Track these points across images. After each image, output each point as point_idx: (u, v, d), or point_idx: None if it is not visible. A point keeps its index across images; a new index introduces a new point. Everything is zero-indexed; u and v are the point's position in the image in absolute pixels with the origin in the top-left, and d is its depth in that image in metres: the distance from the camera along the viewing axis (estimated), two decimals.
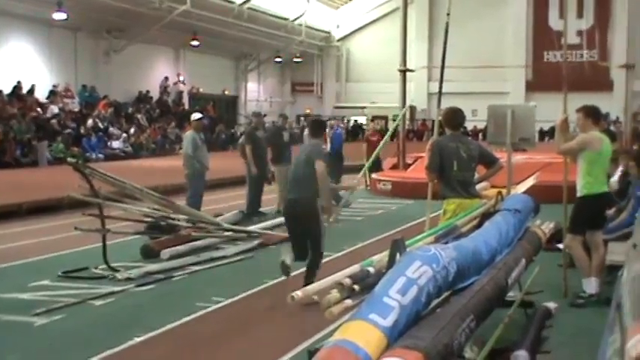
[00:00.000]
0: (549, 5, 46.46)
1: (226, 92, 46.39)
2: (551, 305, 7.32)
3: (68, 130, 29.20)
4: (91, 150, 29.02)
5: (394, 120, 40.37)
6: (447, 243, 5.24)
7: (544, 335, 6.62)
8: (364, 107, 48.03)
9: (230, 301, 8.49)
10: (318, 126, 9.51)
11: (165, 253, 10.56)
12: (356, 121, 48.17)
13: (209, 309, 8.12)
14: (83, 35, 33.65)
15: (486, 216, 6.85)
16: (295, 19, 45.52)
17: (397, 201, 17.99)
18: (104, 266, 9.79)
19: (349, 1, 51.30)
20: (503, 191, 8.03)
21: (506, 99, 43.06)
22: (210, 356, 6.76)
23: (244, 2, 39.30)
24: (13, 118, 27.07)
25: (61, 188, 13.66)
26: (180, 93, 41.05)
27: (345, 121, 47.30)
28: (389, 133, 14.47)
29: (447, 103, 9.35)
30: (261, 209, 14.98)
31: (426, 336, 3.73)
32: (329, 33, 51.87)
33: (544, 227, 7.48)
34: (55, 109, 30.12)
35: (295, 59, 50.21)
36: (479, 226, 6.56)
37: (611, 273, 8.12)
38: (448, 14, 10.96)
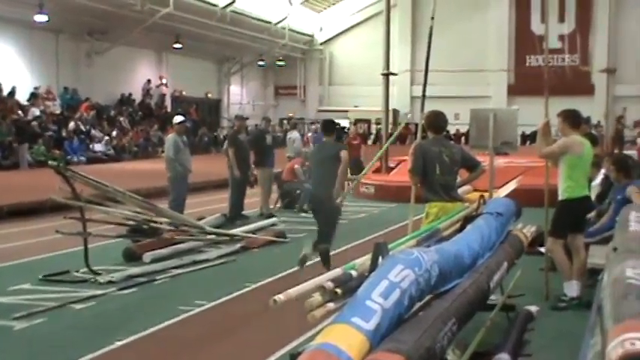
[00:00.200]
0: (531, 10, 46.75)
1: (209, 95, 46.34)
2: (533, 308, 7.34)
3: (49, 133, 29.06)
4: (72, 153, 28.90)
5: (377, 124, 40.58)
6: (429, 246, 5.25)
7: (526, 338, 6.64)
8: (347, 111, 48.07)
9: (212, 304, 8.46)
10: (329, 125, 10.64)
11: (148, 256, 10.52)
12: (339, 124, 48.16)
13: (191, 312, 8.09)
14: (65, 37, 33.51)
15: (468, 219, 6.87)
16: (278, 23, 45.53)
17: (380, 204, 18.02)
18: (86, 269, 9.72)
19: (332, 4, 51.37)
20: (486, 195, 8.07)
21: (489, 103, 43.31)
22: None
23: (227, 5, 39.28)
24: None
25: (42, 191, 13.58)
26: (163, 96, 40.95)
27: None
28: (393, 136, 14.52)
29: (429, 106, 9.37)
30: (243, 212, 14.96)
31: (408, 339, 3.74)
32: (312, 36, 51.94)
33: (526, 231, 7.51)
34: (36, 111, 29.94)
35: (278, 62, 50.22)
36: (461, 229, 6.58)
37: (592, 276, 8.16)
38: (432, 18, 10.99)
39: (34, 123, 28.89)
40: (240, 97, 49.18)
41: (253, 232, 12.85)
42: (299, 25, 48.79)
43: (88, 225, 10.00)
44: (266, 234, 12.87)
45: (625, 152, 16.58)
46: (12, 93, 29.95)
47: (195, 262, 10.65)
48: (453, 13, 42.73)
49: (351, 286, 4.08)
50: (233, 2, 39.54)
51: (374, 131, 45.32)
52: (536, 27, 46.05)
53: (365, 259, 4.49)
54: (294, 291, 3.92)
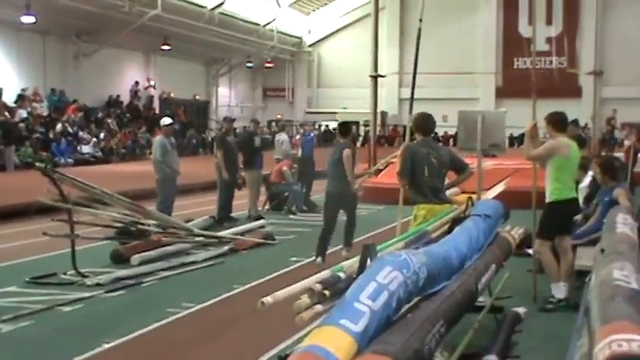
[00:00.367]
0: (519, 12, 46.90)
1: (197, 97, 46.29)
2: (521, 310, 7.36)
3: (37, 135, 28.95)
4: (60, 155, 28.78)
5: (366, 126, 40.60)
6: (417, 248, 5.25)
7: (514, 340, 6.65)
8: (335, 113, 48.08)
9: (201, 306, 8.45)
10: (345, 127, 11.56)
11: (135, 258, 10.49)
12: (327, 126, 48.21)
13: (179, 315, 8.07)
14: (52, 39, 33.40)
15: (457, 221, 6.88)
16: (267, 25, 45.51)
17: (368, 206, 18.00)
18: (73, 272, 9.68)
19: (321, 6, 51.40)
20: (474, 197, 8.07)
21: (477, 105, 43.39)
22: None
23: (215, 7, 39.26)
24: None
25: (29, 193, 13.50)
26: (151, 98, 40.86)
27: (317, 126, 47.36)
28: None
29: (417, 108, 9.39)
30: (232, 214, 14.95)
31: (396, 341, 3.73)
32: (300, 38, 51.95)
33: (514, 232, 7.52)
34: (23, 113, 29.80)
35: (267, 64, 50.18)
36: (449, 231, 6.59)
37: (579, 278, 8.19)
38: (421, 20, 11.00)
39: (22, 125, 28.75)
40: (228, 98, 49.12)
41: (241, 234, 12.83)
42: (287, 27, 48.80)
43: (76, 227, 9.96)
44: (254, 236, 12.85)
45: (613, 154, 16.65)
46: None
47: (183, 265, 10.63)
48: (441, 15, 42.82)
49: (339, 288, 4.07)
50: (221, 4, 39.53)
51: (362, 133, 45.34)
52: (524, 29, 46.20)
53: (353, 261, 4.49)
54: (282, 293, 3.91)
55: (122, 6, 32.07)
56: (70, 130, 31.16)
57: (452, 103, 36.06)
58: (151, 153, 16.23)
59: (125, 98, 38.60)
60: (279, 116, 47.59)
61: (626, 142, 19.39)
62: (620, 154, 18.16)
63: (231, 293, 9.10)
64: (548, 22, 45.97)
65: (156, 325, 7.64)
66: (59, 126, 30.57)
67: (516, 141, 38.42)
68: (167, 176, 13.37)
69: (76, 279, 9.52)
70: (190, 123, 42.80)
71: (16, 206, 15.62)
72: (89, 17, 31.94)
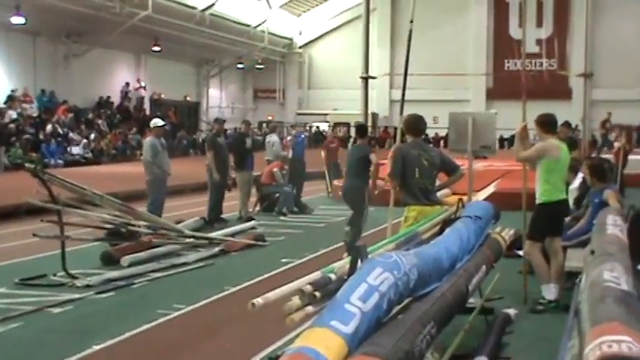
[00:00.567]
0: (510, 14, 46.99)
1: (188, 98, 46.22)
2: (511, 312, 7.37)
3: (26, 136, 28.84)
4: (50, 156, 28.69)
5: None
6: (408, 250, 5.25)
7: (504, 341, 6.66)
8: (326, 114, 48.10)
9: (191, 308, 8.43)
10: (362, 130, 12.21)
11: (126, 259, 10.46)
12: (318, 127, 48.22)
13: (170, 316, 8.05)
14: (42, 40, 33.28)
15: (447, 223, 6.88)
16: (257, 26, 45.47)
17: None
18: (63, 273, 9.66)
19: (311, 8, 51.39)
20: (464, 198, 8.09)
21: (467, 107, 43.42)
22: None
23: (206, 8, 39.22)
24: None
25: (19, 194, 13.45)
26: (142, 99, 40.77)
27: (308, 127, 47.36)
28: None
29: (408, 110, 9.39)
30: (222, 216, 14.93)
31: (386, 342, 3.73)
32: (291, 40, 51.92)
33: (504, 234, 7.54)
34: (13, 114, 29.67)
35: (257, 66, 50.16)
36: (440, 232, 6.60)
37: (569, 279, 8.21)
38: (412, 22, 11.00)
39: (11, 126, 28.65)
40: (219, 100, 49.07)
41: (232, 235, 12.82)
42: (278, 28, 48.78)
43: (66, 228, 9.94)
44: (245, 237, 12.84)
45: (602, 156, 16.71)
46: None
47: (173, 266, 10.62)
48: (432, 17, 42.86)
49: (330, 289, 4.07)
50: (212, 5, 39.48)
51: (353, 134, 45.38)
52: (515, 31, 46.27)
53: (344, 263, 4.49)
54: (272, 294, 3.90)
55: (113, 7, 32.00)
56: (60, 131, 31.06)
57: (442, 105, 36.09)
58: (141, 154, 16.19)
59: (115, 99, 38.51)
60: (269, 117, 47.57)
61: (616, 144, 19.44)
62: (609, 156, 18.22)
63: (222, 294, 9.08)
64: (539, 24, 46.11)
65: (146, 326, 7.62)
66: (49, 127, 30.46)
67: (507, 142, 38.52)
68: (157, 177, 13.34)
69: (66, 280, 9.49)
70: (181, 124, 42.74)
71: (6, 207, 15.57)
72: (79, 18, 31.88)
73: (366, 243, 4.69)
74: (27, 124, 29.89)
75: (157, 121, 14.03)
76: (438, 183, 8.11)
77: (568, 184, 9.82)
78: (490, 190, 15.88)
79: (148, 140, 13.72)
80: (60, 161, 28.77)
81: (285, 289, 4.01)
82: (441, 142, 37.34)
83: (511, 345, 6.67)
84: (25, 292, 9.04)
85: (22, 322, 7.74)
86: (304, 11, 51.47)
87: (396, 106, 41.04)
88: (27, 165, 10.28)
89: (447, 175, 8.15)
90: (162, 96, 42.53)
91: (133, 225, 10.84)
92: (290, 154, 18.47)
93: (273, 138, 18.95)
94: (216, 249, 11.74)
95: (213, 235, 12.45)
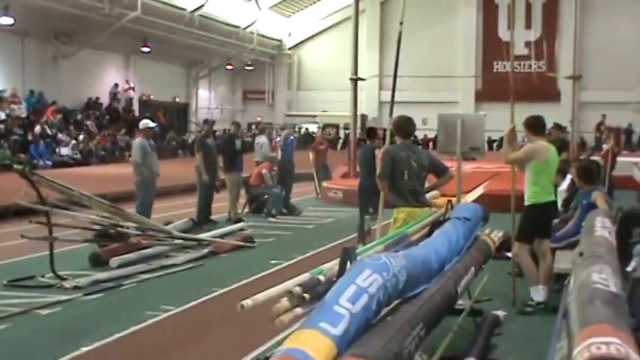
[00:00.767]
0: (499, 16, 47.06)
1: (177, 99, 46.14)
2: (500, 313, 7.37)
3: (15, 137, 28.74)
4: (38, 157, 28.59)
5: (346, 129, 40.63)
6: (397, 251, 5.26)
7: (493, 343, 6.67)
8: (315, 115, 48.10)
9: (180, 309, 8.41)
10: (371, 132, 14.03)
11: (114, 261, 10.43)
12: (307, 129, 48.21)
13: (159, 317, 8.04)
14: (31, 40, 33.14)
15: (436, 224, 6.89)
16: (247, 27, 45.42)
17: (348, 209, 18.00)
18: (51, 275, 9.62)
19: (301, 9, 51.38)
20: (453, 200, 8.10)
21: (456, 108, 43.48)
22: None
23: (196, 9, 39.15)
24: None
25: (7, 195, 13.40)
26: (131, 100, 40.68)
27: (297, 129, 47.34)
28: None
29: (397, 111, 9.39)
30: (211, 217, 14.92)
31: (375, 344, 3.73)
32: (280, 41, 51.88)
33: (493, 236, 7.55)
34: (1, 115, 29.59)
35: (247, 67, 50.11)
36: (429, 234, 6.60)
37: (558, 281, 8.23)
38: (401, 23, 10.99)
39: (0, 126, 28.55)
40: (208, 101, 49.02)
41: (221, 236, 12.81)
42: (268, 29, 48.73)
43: (54, 229, 9.91)
44: (234, 239, 12.82)
45: (589, 158, 16.75)
46: None
47: (162, 267, 10.59)
48: (421, 19, 42.89)
49: (319, 291, 4.07)
50: (202, 6, 39.42)
51: (342, 136, 45.41)
52: (504, 33, 46.38)
53: (333, 264, 4.49)
54: (261, 296, 3.90)
55: (102, 7, 31.90)
56: (49, 131, 30.97)
57: (432, 107, 36.10)
58: (130, 155, 16.16)
59: (104, 100, 38.42)
60: (258, 119, 47.51)
61: (605, 146, 19.50)
62: (598, 158, 18.29)
63: (211, 296, 9.07)
64: (528, 26, 46.19)
65: (135, 328, 7.60)
66: (38, 128, 30.37)
67: (495, 145, 38.54)
68: (146, 178, 13.31)
69: (55, 282, 9.46)
70: (170, 125, 42.66)
71: None
72: (68, 19, 31.76)
73: (354, 244, 4.68)
74: (15, 125, 29.81)
75: (147, 122, 13.99)
76: (427, 185, 8.11)
77: (557, 186, 9.85)
78: (479, 191, 15.94)
79: (138, 141, 13.68)
80: (48, 162, 28.68)
81: (274, 291, 4.00)
82: (430, 144, 37.35)
83: (500, 346, 6.68)
84: (14, 293, 9.00)
85: (11, 324, 7.71)
86: (294, 13, 51.43)
87: (385, 107, 41.10)
88: (15, 166, 10.24)
89: (436, 176, 8.16)
90: (152, 97, 42.45)
91: (122, 226, 10.81)
92: (279, 155, 18.46)
93: (262, 139, 18.93)
94: (205, 250, 11.72)
95: (202, 236, 12.43)
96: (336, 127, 47.13)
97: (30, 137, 29.65)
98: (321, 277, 4.27)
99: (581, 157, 17.80)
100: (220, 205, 15.66)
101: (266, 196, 17.05)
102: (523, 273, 8.51)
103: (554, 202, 8.75)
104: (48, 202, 9.81)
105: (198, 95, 48.00)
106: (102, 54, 37.62)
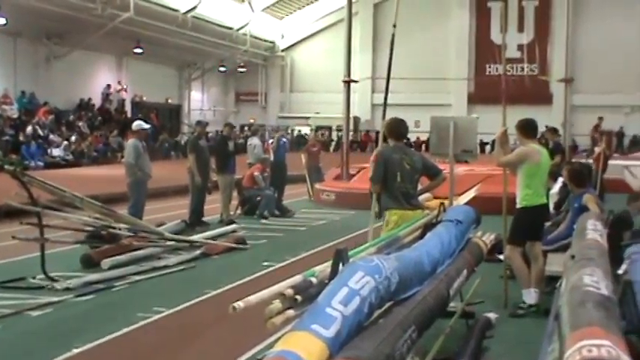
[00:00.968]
0: (491, 19, 47.17)
1: (170, 101, 46.11)
2: (492, 316, 7.38)
3: (6, 137, 28.67)
4: (30, 157, 28.53)
5: (338, 130, 40.65)
6: (389, 254, 5.26)
7: (485, 346, 6.67)
8: (308, 117, 48.11)
9: (172, 311, 8.39)
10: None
11: (106, 262, 10.40)
12: (299, 131, 48.23)
13: (150, 319, 8.01)
14: (23, 41, 33.09)
15: (429, 227, 6.90)
16: (240, 29, 45.43)
17: (340, 211, 18.05)
18: (42, 276, 9.59)
19: (294, 11, 51.39)
20: (446, 202, 8.10)
21: (449, 111, 43.61)
22: None
23: (189, 11, 39.14)
24: None
25: None
26: (123, 101, 40.62)
27: (289, 131, 47.34)
28: None
29: (390, 114, 9.39)
30: (203, 219, 14.90)
31: (367, 346, 3.73)
32: (273, 43, 51.91)
33: (485, 238, 7.56)
34: None
35: (239, 69, 50.12)
36: (421, 236, 6.61)
37: (550, 284, 8.24)
38: (394, 26, 11.00)
39: None
40: (201, 102, 49.01)
41: (213, 238, 12.78)
42: (260, 31, 48.74)
43: (46, 231, 9.87)
44: (226, 240, 12.81)
45: (580, 161, 16.80)
46: None
47: (154, 269, 10.56)
48: (414, 21, 42.96)
49: (311, 293, 4.07)
50: (194, 8, 39.40)
51: (335, 138, 45.45)
52: (496, 36, 46.50)
53: (325, 266, 4.49)
54: (254, 298, 3.90)
55: (94, 8, 31.87)
56: (41, 132, 30.92)
57: (424, 109, 36.21)
58: (122, 156, 16.13)
59: (97, 101, 38.37)
60: (251, 120, 47.52)
61: (596, 149, 19.57)
62: (590, 161, 18.34)
63: (203, 298, 9.05)
64: (520, 29, 46.32)
65: (126, 329, 7.58)
66: (29, 128, 30.31)
67: (489, 147, 38.59)
68: (139, 180, 13.27)
69: (46, 283, 9.43)
70: (162, 127, 42.60)
71: None
72: (61, 19, 31.71)
73: (347, 246, 4.68)
74: (7, 126, 29.76)
75: (140, 124, 13.94)
76: (420, 187, 8.11)
77: (548, 189, 9.87)
78: (471, 194, 15.96)
79: (131, 142, 13.63)
80: (40, 163, 28.63)
81: (266, 293, 4.00)
82: (423, 146, 37.38)
83: (492, 349, 6.69)
84: (4, 294, 8.96)
85: (1, 326, 7.67)
86: (287, 14, 51.46)
87: (377, 109, 41.15)
88: (6, 167, 10.19)
89: (429, 179, 8.15)
90: (144, 98, 42.41)
91: (114, 227, 10.79)
92: (272, 157, 18.44)
93: (254, 141, 18.92)
94: (197, 252, 11.70)
95: (194, 237, 12.41)
96: (329, 129, 47.18)
97: (21, 138, 29.59)
98: (314, 279, 4.27)
99: (573, 160, 17.84)
100: (213, 206, 15.64)
101: (258, 198, 17.04)
102: (515, 275, 8.53)
103: (546, 205, 8.77)
104: (39, 203, 9.79)
105: (190, 97, 47.98)
106: (94, 55, 37.56)
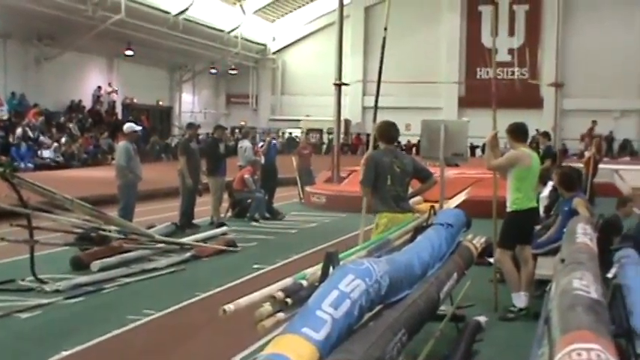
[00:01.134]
0: (482, 23, 47.25)
1: (160, 103, 46.01)
2: (482, 319, 7.39)
3: None
4: (20, 159, 28.43)
5: (329, 133, 40.65)
6: (380, 257, 5.26)
7: (475, 349, 6.69)
8: (299, 120, 48.11)
9: (161, 313, 8.38)
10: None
11: (96, 264, 10.38)
12: (290, 133, 48.22)
13: (140, 322, 8.00)
14: (13, 42, 32.95)
15: (419, 230, 6.90)
16: (231, 31, 45.39)
17: (331, 214, 18.05)
18: (32, 278, 9.56)
19: (285, 14, 51.39)
20: (436, 205, 8.11)
21: (440, 114, 43.63)
22: None
23: (180, 13, 39.09)
24: None
25: None
26: (113, 103, 40.52)
27: (280, 133, 47.31)
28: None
29: (381, 117, 9.39)
30: (194, 221, 14.88)
31: (358, 350, 3.73)
32: (265, 45, 51.87)
33: (476, 241, 7.57)
34: None
35: (230, 71, 50.05)
36: (412, 240, 6.61)
37: (540, 287, 8.26)
38: (385, 29, 11.01)
39: None
40: (191, 105, 48.91)
41: (203, 240, 12.77)
42: (252, 34, 48.71)
43: (35, 233, 9.84)
44: (216, 243, 12.79)
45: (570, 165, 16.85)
46: None
47: (144, 271, 10.54)
48: (405, 25, 43.00)
49: (301, 295, 4.07)
50: (186, 10, 39.36)
51: (326, 141, 45.46)
52: (487, 40, 46.55)
53: (316, 269, 4.48)
54: (244, 300, 3.89)
55: (85, 10, 31.78)
56: (31, 134, 30.80)
57: (415, 112, 36.26)
58: (113, 158, 16.09)
59: (87, 103, 38.25)
60: (242, 123, 47.47)
61: (586, 154, 19.64)
62: (580, 165, 18.39)
63: (193, 300, 9.04)
64: (511, 33, 46.43)
65: (116, 332, 7.56)
66: (19, 130, 30.19)
67: (479, 150, 38.67)
68: (130, 182, 13.25)
69: (35, 285, 9.40)
70: (153, 129, 42.52)
71: None
72: (51, 21, 31.60)
73: (337, 249, 4.68)
74: None
75: (132, 126, 13.91)
76: (411, 190, 8.11)
77: (538, 193, 9.89)
78: (461, 197, 15.95)
79: (122, 145, 13.60)
80: (30, 165, 28.54)
81: (256, 296, 4.00)
82: (413, 150, 37.43)
83: (481, 352, 6.70)
84: None
85: None
86: (278, 17, 51.43)
87: (368, 112, 41.23)
88: None
89: (420, 182, 8.16)
90: (135, 100, 42.30)
91: (104, 230, 10.77)
92: (262, 160, 18.42)
93: (245, 143, 18.91)
94: (188, 254, 11.68)
95: (184, 240, 12.40)
96: (320, 131, 47.18)
97: (11, 139, 29.48)
98: (304, 282, 4.27)
99: (563, 164, 17.89)
100: (203, 209, 15.62)
101: (249, 201, 17.03)
102: (505, 279, 8.55)
103: (536, 209, 8.79)
104: (29, 204, 9.75)
105: (181, 99, 47.88)
106: (85, 57, 37.44)
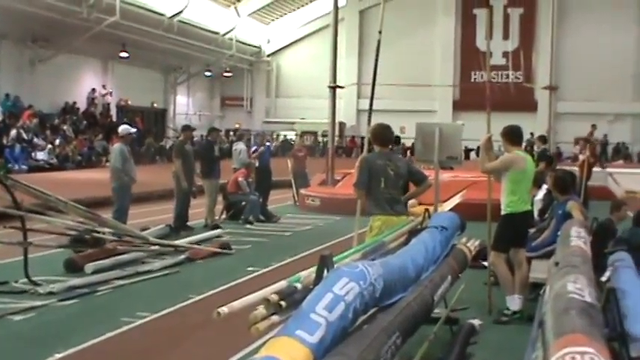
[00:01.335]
0: (477, 26, 47.31)
1: (155, 105, 45.97)
2: (476, 322, 7.39)
3: None
4: (14, 161, 28.38)
5: (324, 136, 40.66)
6: (374, 259, 5.26)
7: (469, 352, 6.68)
8: (294, 122, 48.12)
9: (155, 316, 8.36)
10: (397, 139, 14.55)
11: (90, 267, 10.36)
12: (285, 136, 48.21)
13: (134, 324, 7.98)
14: (7, 44, 32.88)
15: (413, 233, 6.90)
16: (226, 34, 45.40)
17: (325, 217, 18.03)
18: (25, 280, 9.53)
19: (280, 17, 51.43)
20: (431, 208, 8.11)
21: (434, 117, 43.67)
22: None
23: (175, 15, 39.08)
24: None
25: None
26: (108, 105, 40.46)
27: (275, 136, 47.33)
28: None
29: (375, 120, 9.41)
30: (188, 223, 14.86)
31: (352, 353, 3.73)
32: (259, 48, 51.89)
33: (470, 244, 7.57)
34: None
35: (225, 73, 50.04)
36: (406, 242, 6.61)
37: (534, 290, 8.27)
38: (380, 32, 11.03)
39: None
40: (186, 107, 48.86)
41: (198, 243, 12.76)
42: (247, 36, 48.73)
43: (29, 235, 9.81)
44: (211, 245, 12.78)
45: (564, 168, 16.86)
46: None
47: (138, 273, 10.52)
48: (400, 28, 43.09)
49: (295, 298, 4.06)
50: (181, 12, 39.36)
51: (321, 143, 45.45)
52: (482, 43, 46.59)
53: (310, 272, 4.48)
54: (238, 303, 3.88)
55: (80, 12, 31.75)
56: (25, 136, 30.74)
57: (409, 115, 36.23)
58: (107, 160, 16.07)
59: (82, 105, 38.17)
60: (237, 125, 47.46)
61: (581, 157, 19.64)
62: (575, 168, 18.41)
63: (187, 303, 9.02)
64: (505, 36, 46.56)
65: (109, 334, 7.54)
66: (13, 132, 30.13)
67: (473, 153, 38.71)
68: (124, 184, 13.24)
69: (29, 287, 9.37)
70: (148, 131, 42.47)
71: None
72: (46, 23, 31.55)
73: (332, 252, 4.67)
74: None
75: (127, 128, 13.91)
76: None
77: (532, 196, 9.90)
78: (456, 200, 15.96)
79: (117, 147, 13.57)
80: (24, 167, 28.48)
81: (250, 298, 3.99)
82: (408, 152, 37.43)
83: (475, 355, 6.70)
84: None
85: None
86: (273, 20, 51.47)
87: (363, 115, 41.22)
88: None
89: (414, 185, 8.17)
90: (129, 102, 42.26)
91: (98, 232, 10.74)
92: (256, 162, 18.42)
93: (239, 146, 18.90)
94: (182, 257, 11.66)
95: (178, 242, 12.38)
96: (314, 134, 47.18)
97: (5, 141, 29.41)
98: (298, 285, 4.26)
99: (557, 168, 17.89)
100: (197, 211, 15.61)
101: (243, 203, 17.02)
102: (499, 282, 8.55)
103: (531, 212, 8.80)
104: (23, 206, 9.73)
105: (176, 101, 47.85)
106: (80, 58, 37.37)
